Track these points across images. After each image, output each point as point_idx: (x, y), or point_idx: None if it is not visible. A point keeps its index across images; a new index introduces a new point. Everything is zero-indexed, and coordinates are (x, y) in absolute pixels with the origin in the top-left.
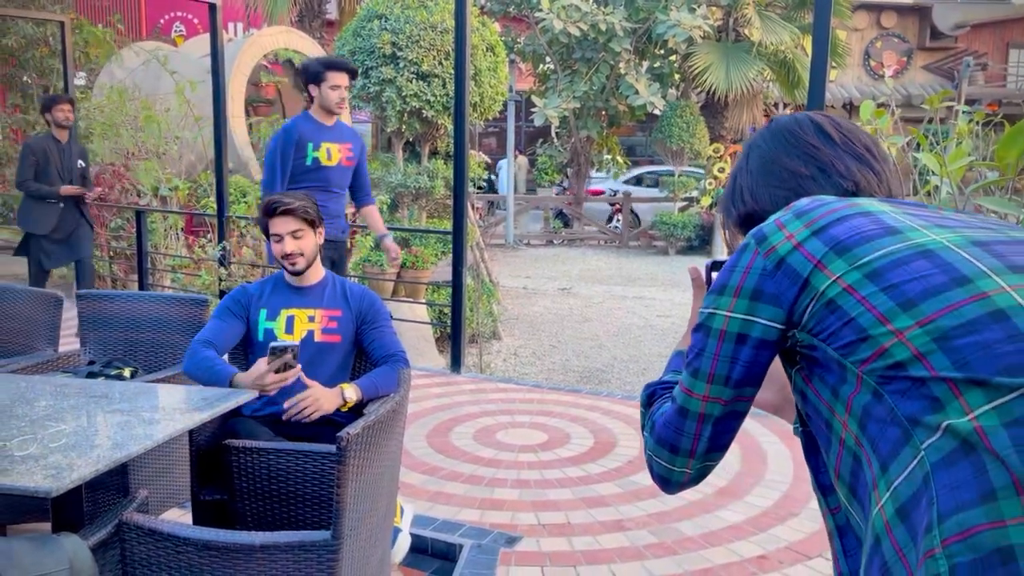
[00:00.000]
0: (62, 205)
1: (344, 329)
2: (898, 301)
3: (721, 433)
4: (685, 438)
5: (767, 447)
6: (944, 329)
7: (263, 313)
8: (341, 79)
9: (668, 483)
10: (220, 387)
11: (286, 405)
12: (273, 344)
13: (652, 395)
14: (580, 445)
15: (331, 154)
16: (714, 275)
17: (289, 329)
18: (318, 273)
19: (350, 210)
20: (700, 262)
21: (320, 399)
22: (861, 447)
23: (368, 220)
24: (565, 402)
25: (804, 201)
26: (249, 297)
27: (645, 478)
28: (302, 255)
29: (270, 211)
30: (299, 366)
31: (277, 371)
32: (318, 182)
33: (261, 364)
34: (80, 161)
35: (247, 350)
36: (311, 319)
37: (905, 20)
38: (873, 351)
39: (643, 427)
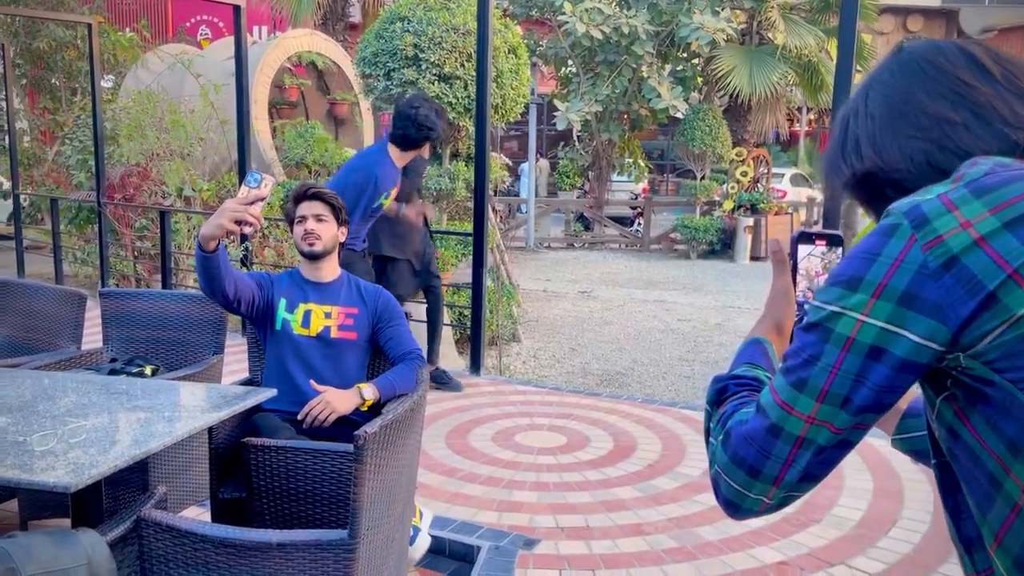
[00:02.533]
0: None
1: (360, 326)
2: None
3: (822, 463)
4: (772, 462)
5: None
6: None
7: (283, 303)
8: (426, 151)
9: (737, 509)
10: (197, 257)
11: (300, 416)
12: (250, 173)
13: (723, 392)
14: (599, 448)
15: (392, 196)
16: (801, 249)
17: (306, 323)
18: (335, 270)
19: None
20: (721, 267)
21: (333, 402)
22: None
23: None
24: (584, 405)
25: (981, 167)
26: (273, 281)
27: (664, 482)
28: (320, 238)
29: (300, 195)
30: (266, 197)
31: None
32: (370, 218)
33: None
34: None
35: (264, 336)
36: (327, 315)
37: (932, 23)
38: None
39: (708, 430)
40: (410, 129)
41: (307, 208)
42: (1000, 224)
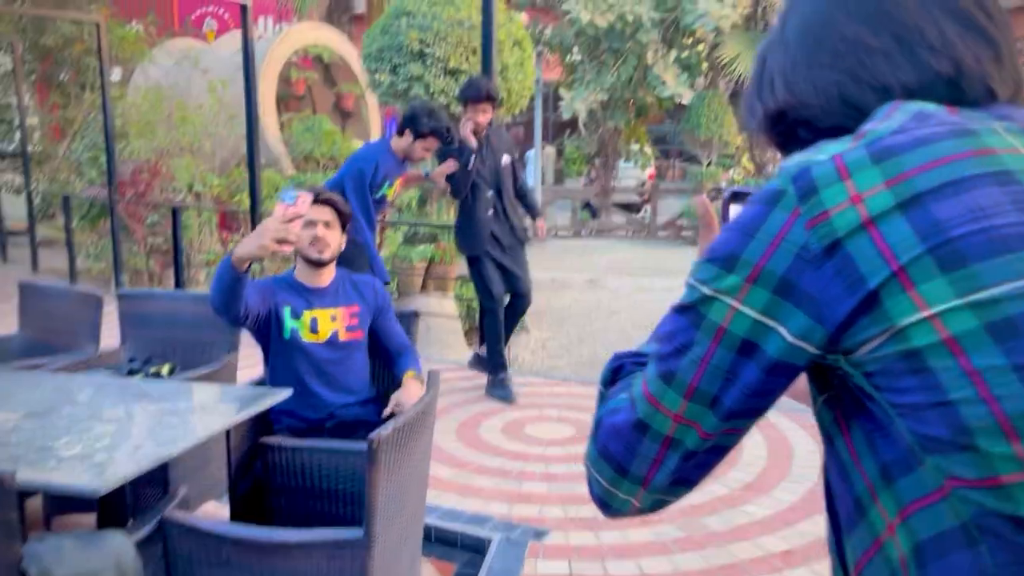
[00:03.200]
0: None
1: (363, 324)
2: None
3: (693, 468)
4: (639, 461)
5: (794, 441)
6: None
7: (287, 311)
8: (434, 144)
9: (607, 507)
10: (226, 277)
11: (388, 411)
12: (285, 190)
13: (618, 371)
14: None
15: (395, 188)
16: (733, 210)
17: (314, 329)
18: (332, 273)
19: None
20: None
21: (412, 398)
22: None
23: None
24: (593, 395)
25: (894, 120)
26: (274, 288)
27: None
28: (329, 246)
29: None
30: (304, 213)
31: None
32: (377, 209)
33: (265, 220)
34: None
35: (268, 346)
36: (333, 319)
37: None
38: (981, 476)
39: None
40: (421, 117)
41: (316, 213)
42: (895, 203)
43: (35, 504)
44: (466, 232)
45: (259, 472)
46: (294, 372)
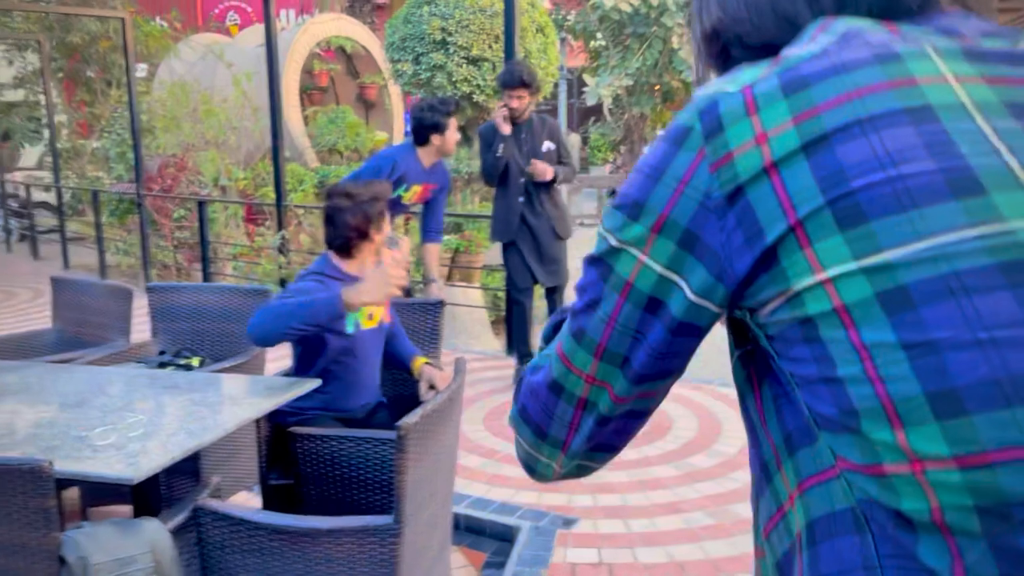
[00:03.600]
0: None
1: (390, 315)
2: (933, 390)
3: (612, 433)
4: (556, 424)
5: None
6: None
7: None
8: (456, 122)
9: (532, 471)
10: (320, 319)
11: (425, 388)
12: (389, 237)
13: (559, 326)
14: None
15: (414, 194)
16: None
17: (370, 316)
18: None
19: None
20: None
21: (445, 376)
22: (798, 553)
23: (425, 257)
24: None
25: (819, 43)
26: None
27: (702, 460)
28: None
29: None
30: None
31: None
32: (393, 213)
33: (378, 269)
34: None
35: (323, 345)
36: (370, 316)
37: None
38: (865, 463)
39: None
40: (425, 116)
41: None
42: (800, 144)
43: (71, 495)
44: (497, 218)
45: (290, 461)
46: (354, 363)
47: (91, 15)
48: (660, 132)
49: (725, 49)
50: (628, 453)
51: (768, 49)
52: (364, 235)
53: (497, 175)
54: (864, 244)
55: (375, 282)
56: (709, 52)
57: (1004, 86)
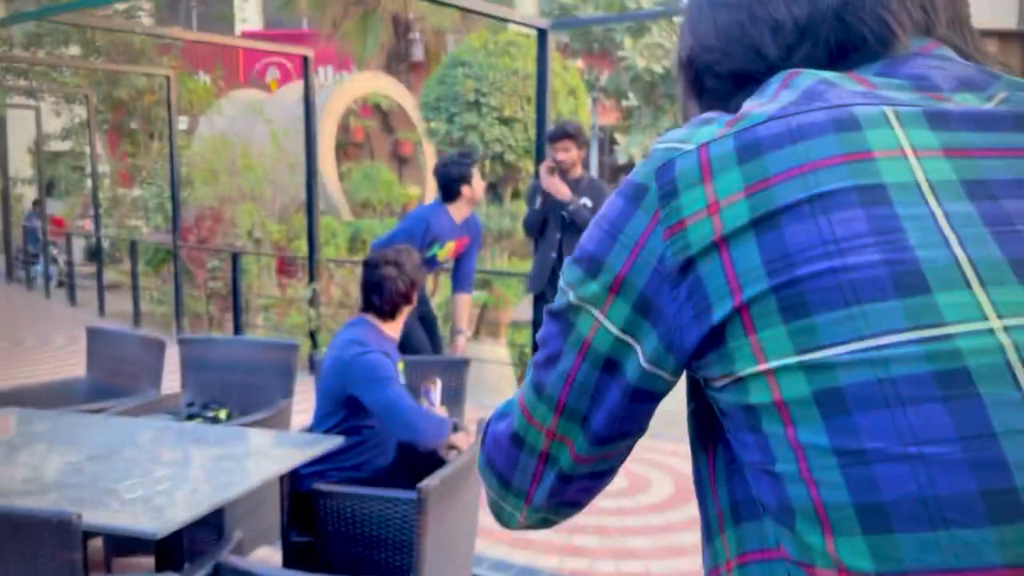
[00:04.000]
0: None
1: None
2: (861, 501)
3: (576, 491)
4: (520, 475)
5: None
6: None
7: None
8: (476, 175)
9: (498, 518)
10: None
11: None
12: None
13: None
14: (661, 492)
15: (448, 251)
16: None
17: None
18: None
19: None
20: None
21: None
22: None
23: (456, 307)
24: (645, 446)
25: (773, 106)
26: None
27: None
28: None
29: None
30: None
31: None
32: (428, 270)
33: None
34: None
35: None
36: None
37: (1008, 46)
38: (801, 560)
39: None
40: (449, 172)
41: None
42: (749, 219)
43: (95, 544)
44: (533, 270)
45: (311, 518)
46: (388, 434)
47: (139, 72)
48: (619, 184)
49: (699, 78)
50: (652, 519)
51: (738, 79)
52: (408, 299)
53: (536, 228)
54: (805, 338)
55: (440, 444)
56: (685, 82)
57: (964, 158)
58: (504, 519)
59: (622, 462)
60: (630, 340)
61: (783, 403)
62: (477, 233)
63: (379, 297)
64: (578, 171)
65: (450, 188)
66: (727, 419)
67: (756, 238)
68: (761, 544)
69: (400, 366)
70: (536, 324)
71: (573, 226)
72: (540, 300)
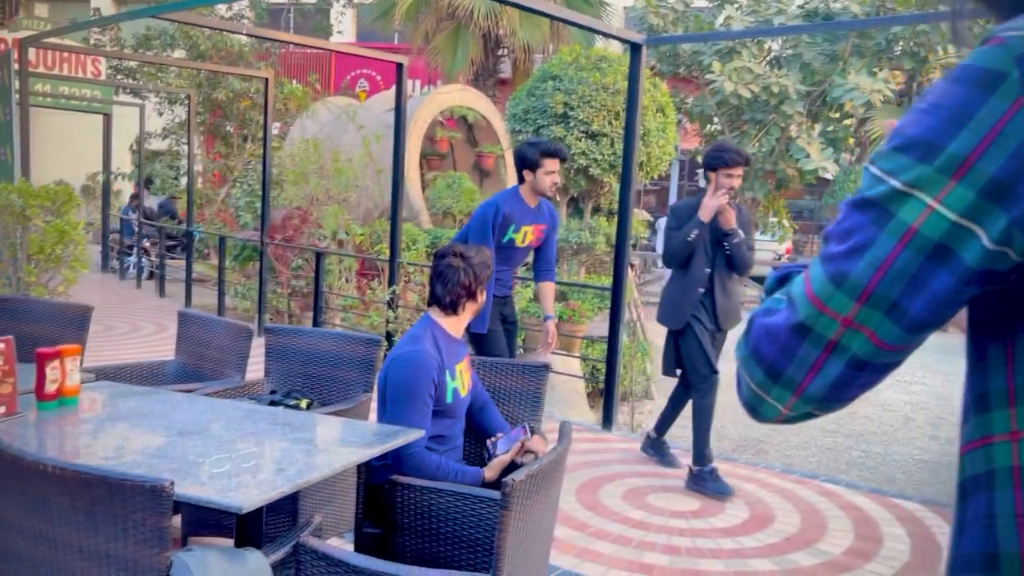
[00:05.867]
0: None
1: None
2: None
3: (851, 384)
4: (795, 366)
5: (942, 539)
6: None
7: (447, 374)
8: (555, 164)
9: (755, 412)
10: (466, 483)
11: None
12: (522, 440)
13: (783, 280)
14: (734, 516)
15: (526, 236)
16: None
17: (464, 383)
18: None
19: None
20: None
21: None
22: (1016, 487)
23: (541, 295)
24: (720, 470)
25: None
26: (437, 364)
27: (803, 557)
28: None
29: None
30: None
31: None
32: (504, 257)
33: (504, 459)
34: None
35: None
36: (462, 373)
37: None
38: None
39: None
40: (525, 152)
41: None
42: None
43: (174, 522)
44: (669, 303)
45: (384, 512)
46: (452, 430)
47: (239, 74)
48: (950, 72)
49: None
50: (724, 542)
51: None
52: (472, 295)
53: (682, 259)
54: None
55: (497, 469)
56: None
57: None
58: (763, 412)
59: (900, 362)
60: (971, 225)
61: None
62: (554, 220)
63: (442, 287)
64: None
65: (517, 170)
66: None
67: None
68: None
69: (460, 367)
70: (699, 352)
71: (723, 259)
72: (684, 333)
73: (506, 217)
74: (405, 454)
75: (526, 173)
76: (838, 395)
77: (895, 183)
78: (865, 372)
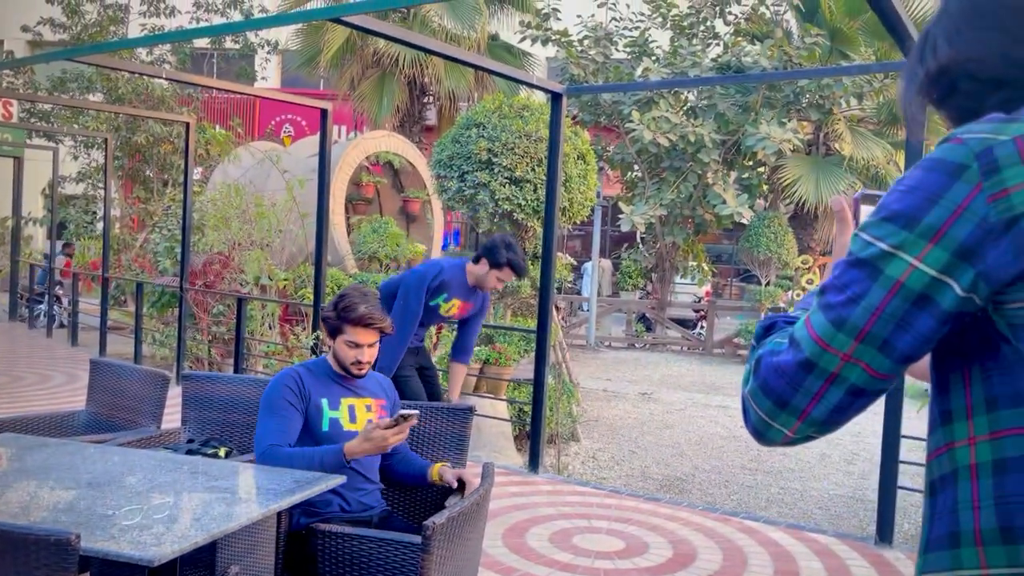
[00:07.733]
0: None
1: (389, 415)
2: None
3: (849, 408)
4: (800, 396)
5: (857, 571)
6: None
7: (325, 403)
8: (510, 277)
9: (762, 436)
10: (331, 467)
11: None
12: (402, 412)
13: (770, 328)
14: (658, 555)
15: (452, 309)
16: (864, 209)
17: (352, 419)
18: None
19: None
20: None
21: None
22: (972, 479)
23: (451, 376)
24: (644, 510)
25: None
26: (306, 384)
27: None
28: (368, 363)
29: (359, 321)
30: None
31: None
32: (425, 319)
33: (374, 428)
34: None
35: (307, 441)
36: (368, 408)
37: None
38: None
39: (749, 360)
40: (500, 248)
41: (364, 336)
42: None
43: None
44: None
45: (306, 561)
46: (353, 472)
47: (160, 118)
48: (921, 163)
49: (952, 82)
50: None
51: (995, 82)
52: (331, 335)
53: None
54: None
55: (370, 442)
56: (935, 86)
57: None
58: (769, 436)
59: (887, 389)
60: (947, 279)
61: None
62: (484, 305)
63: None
64: None
65: (482, 254)
66: (1018, 329)
67: None
68: (1020, 423)
69: (354, 402)
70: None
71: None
72: None
73: (443, 284)
74: (257, 454)
75: (486, 262)
76: (837, 418)
77: (883, 246)
78: (861, 397)
